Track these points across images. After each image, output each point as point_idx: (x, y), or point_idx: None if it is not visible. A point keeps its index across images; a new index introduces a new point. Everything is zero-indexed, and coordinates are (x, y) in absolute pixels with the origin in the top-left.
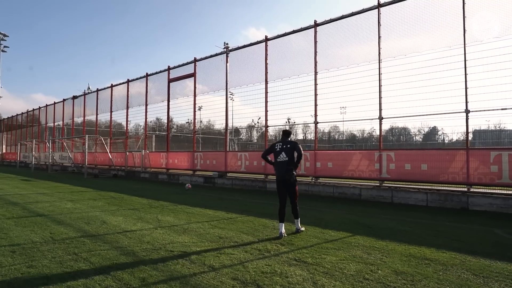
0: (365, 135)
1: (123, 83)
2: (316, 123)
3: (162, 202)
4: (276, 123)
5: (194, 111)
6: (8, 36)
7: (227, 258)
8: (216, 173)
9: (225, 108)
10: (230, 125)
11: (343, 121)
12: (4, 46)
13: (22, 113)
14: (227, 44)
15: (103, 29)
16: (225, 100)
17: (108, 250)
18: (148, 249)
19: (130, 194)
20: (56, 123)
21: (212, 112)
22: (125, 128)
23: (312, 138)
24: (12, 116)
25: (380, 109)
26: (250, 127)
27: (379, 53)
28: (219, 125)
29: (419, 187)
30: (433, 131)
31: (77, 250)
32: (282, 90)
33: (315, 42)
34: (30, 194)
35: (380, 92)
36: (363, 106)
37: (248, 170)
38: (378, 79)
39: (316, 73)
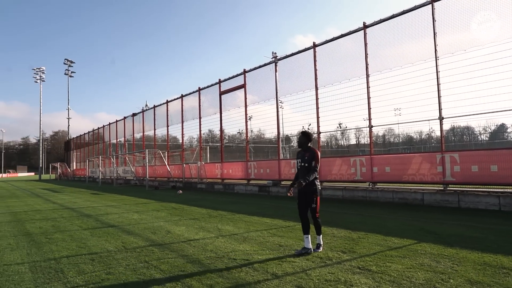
0: (423, 136)
1: (177, 98)
2: (370, 127)
3: (220, 211)
4: (327, 129)
5: (246, 122)
6: (74, 63)
7: (289, 266)
8: (270, 181)
9: (276, 117)
10: (281, 133)
11: (399, 123)
12: (72, 72)
13: (89, 132)
14: (275, 53)
15: (158, 47)
16: (276, 108)
17: (175, 258)
18: (212, 257)
19: (190, 204)
20: (118, 140)
21: (262, 121)
22: (181, 141)
23: (366, 142)
24: (80, 135)
25: (440, 109)
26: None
27: (435, 50)
28: (270, 133)
29: (489, 190)
30: (501, 128)
31: (148, 258)
32: (333, 95)
33: (365, 44)
34: (100, 207)
35: (438, 90)
36: (421, 106)
37: None
38: (435, 77)
39: (368, 75)
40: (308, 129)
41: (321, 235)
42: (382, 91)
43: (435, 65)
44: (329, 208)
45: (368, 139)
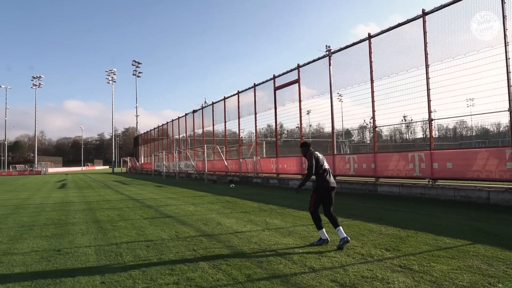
0: (501, 129)
1: (233, 95)
2: (430, 120)
3: (271, 205)
4: (390, 122)
5: (300, 117)
6: (141, 63)
7: (328, 260)
8: None
9: (331, 111)
10: (339, 127)
11: (465, 115)
12: (139, 72)
13: (154, 128)
14: (329, 46)
15: (216, 45)
16: (330, 102)
17: (221, 248)
18: (255, 248)
19: (243, 198)
20: (180, 135)
21: (321, 115)
22: (240, 136)
23: (434, 136)
24: (147, 131)
25: (510, 99)
26: (362, 128)
27: (505, 35)
28: (329, 127)
29: None
30: None
31: (196, 247)
32: (394, 87)
33: (424, 32)
34: (161, 198)
35: (508, 80)
36: (492, 97)
37: (357, 173)
38: (505, 65)
39: (427, 66)
40: (365, 122)
41: (338, 227)
42: (451, 80)
43: (504, 51)
44: (382, 205)
45: (437, 132)
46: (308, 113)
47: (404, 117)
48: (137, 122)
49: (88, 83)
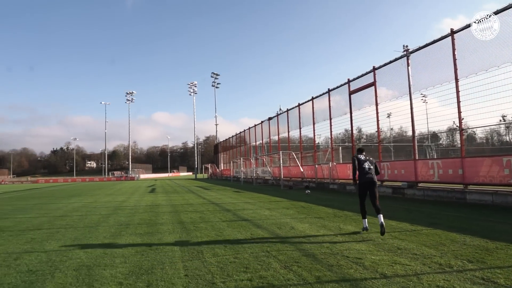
0: None
1: (308, 101)
2: None
3: (346, 212)
4: (485, 122)
5: (378, 120)
6: (219, 75)
7: (402, 268)
8: (405, 183)
9: (410, 114)
10: (424, 130)
11: None
12: (217, 83)
13: (233, 136)
14: (406, 46)
15: (292, 52)
16: (414, 104)
17: (293, 251)
18: (326, 253)
19: (318, 204)
20: (257, 142)
21: (403, 117)
22: (315, 142)
23: None
24: (226, 139)
25: None
26: (451, 131)
27: None
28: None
29: None
30: None
31: (269, 249)
32: (491, 82)
33: None
34: (239, 203)
35: None
36: None
37: (442, 179)
38: None
39: None
40: (454, 124)
41: (379, 215)
42: None
43: None
44: (469, 214)
45: None
46: (388, 116)
47: (503, 117)
48: (216, 131)
49: (173, 95)
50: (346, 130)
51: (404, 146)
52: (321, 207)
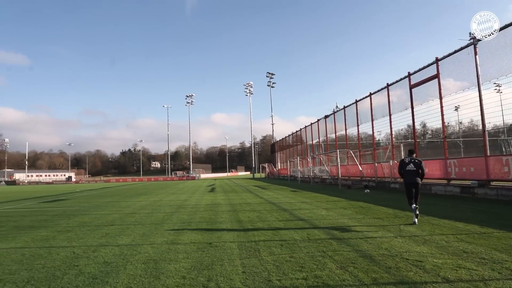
0: None
1: (366, 97)
2: None
3: (408, 212)
4: None
5: (442, 115)
6: (274, 74)
7: (467, 273)
8: (475, 182)
9: (479, 105)
10: (498, 122)
11: None
12: (273, 83)
13: (289, 135)
14: (472, 34)
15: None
16: (487, 94)
17: (349, 251)
18: (384, 254)
19: (378, 204)
20: (314, 141)
21: (473, 110)
22: (375, 139)
23: None
24: (282, 138)
25: None
26: None
27: None
28: (487, 125)
29: None
30: None
31: (325, 249)
32: None
33: None
34: (295, 203)
35: None
36: None
37: None
38: None
39: None
40: None
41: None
42: None
43: None
44: None
45: None
46: (456, 109)
47: None
48: (273, 130)
49: (230, 96)
50: (408, 126)
51: (476, 141)
52: (381, 207)
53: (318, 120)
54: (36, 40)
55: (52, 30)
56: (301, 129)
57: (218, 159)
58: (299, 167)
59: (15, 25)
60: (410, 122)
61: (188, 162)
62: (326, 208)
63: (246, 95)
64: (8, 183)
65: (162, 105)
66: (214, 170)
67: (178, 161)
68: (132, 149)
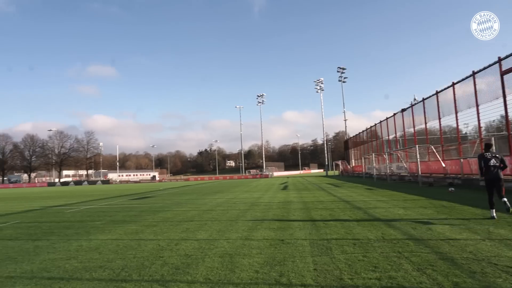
0: None
1: (448, 87)
2: None
3: (499, 213)
4: None
5: None
6: (346, 69)
7: None
8: None
9: None
10: None
11: None
12: (344, 78)
13: (363, 131)
14: None
15: (426, 38)
16: None
17: (428, 253)
18: (468, 258)
19: (463, 203)
20: (390, 136)
21: None
22: (461, 132)
23: None
24: (356, 134)
25: None
26: None
27: None
28: None
29: None
30: None
31: (401, 250)
32: None
33: None
34: (370, 201)
35: None
36: None
37: None
38: None
39: None
40: None
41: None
42: None
43: None
44: None
45: None
46: None
47: None
48: (345, 126)
49: (300, 94)
50: (502, 117)
51: None
52: (467, 207)
53: (395, 114)
54: (122, 53)
55: (135, 43)
56: (376, 124)
57: (290, 157)
58: (374, 164)
59: (105, 41)
60: (503, 112)
61: (261, 161)
62: (404, 207)
63: (317, 92)
64: (103, 182)
65: (235, 106)
66: (286, 168)
67: (252, 160)
68: (208, 149)
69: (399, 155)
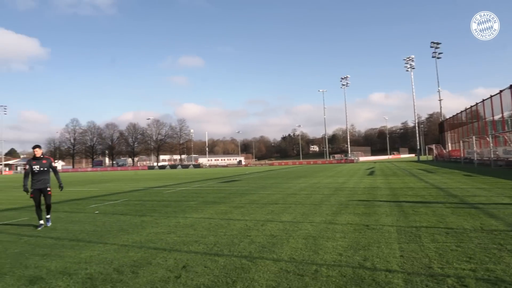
0: None
1: None
2: None
3: None
4: None
5: None
6: (440, 43)
7: None
8: None
9: None
10: None
11: None
12: (439, 53)
13: (462, 111)
14: None
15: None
16: None
17: None
18: None
19: None
20: (495, 116)
21: None
22: None
23: None
24: (453, 116)
25: None
26: None
27: None
28: None
29: None
30: None
31: (503, 242)
32: None
33: None
34: (469, 188)
35: None
36: None
37: None
38: None
39: None
40: None
41: None
42: None
43: None
44: None
45: None
46: None
47: None
48: (440, 107)
49: (388, 74)
50: None
51: None
52: None
53: (501, 91)
54: (208, 44)
55: (220, 33)
56: (477, 103)
57: (377, 141)
58: (475, 148)
59: (192, 34)
60: None
61: (346, 145)
62: (510, 196)
63: (407, 71)
64: (194, 166)
65: (318, 90)
66: (373, 153)
67: (336, 144)
68: (292, 134)
69: (506, 137)
